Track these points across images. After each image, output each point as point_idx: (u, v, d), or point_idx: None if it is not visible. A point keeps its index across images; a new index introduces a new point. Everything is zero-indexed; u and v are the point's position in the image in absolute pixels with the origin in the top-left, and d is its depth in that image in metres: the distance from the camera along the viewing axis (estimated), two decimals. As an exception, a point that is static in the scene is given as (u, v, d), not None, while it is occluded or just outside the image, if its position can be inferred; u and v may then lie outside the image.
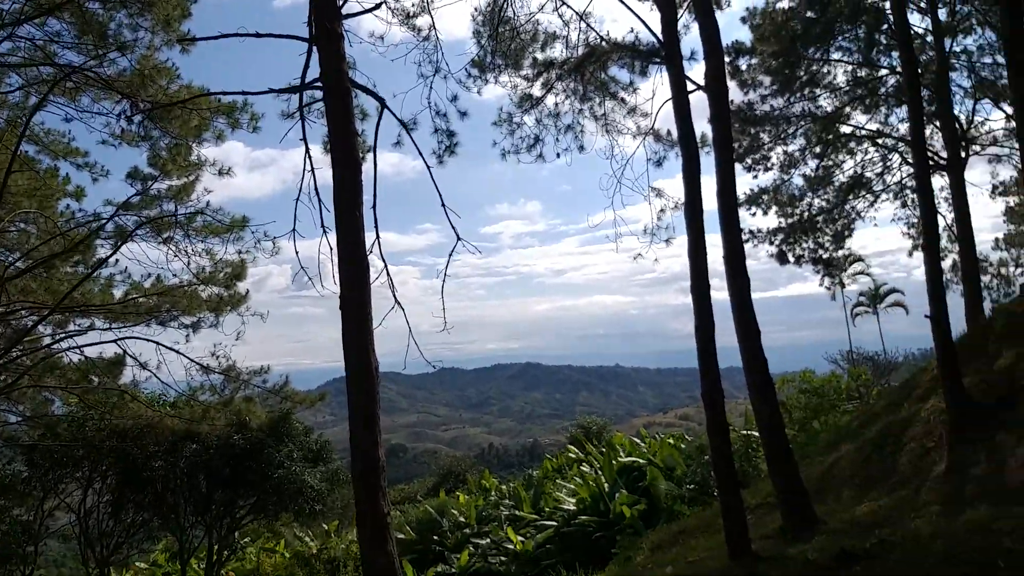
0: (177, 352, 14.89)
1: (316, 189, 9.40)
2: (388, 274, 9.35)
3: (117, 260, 14.36)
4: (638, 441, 20.47)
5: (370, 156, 9.73)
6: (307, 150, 9.47)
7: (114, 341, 14.72)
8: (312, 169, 9.37)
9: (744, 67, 19.78)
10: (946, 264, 22.12)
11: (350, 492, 14.22)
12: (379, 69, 11.28)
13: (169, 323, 15.23)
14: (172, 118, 12.55)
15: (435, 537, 19.42)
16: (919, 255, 21.01)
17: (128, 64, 11.94)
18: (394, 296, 9.21)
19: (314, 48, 8.90)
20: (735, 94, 19.67)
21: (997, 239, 27.40)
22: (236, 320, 15.28)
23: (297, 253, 9.69)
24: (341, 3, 9.05)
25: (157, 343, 14.67)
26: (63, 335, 15.34)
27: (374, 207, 9.03)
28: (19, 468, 16.88)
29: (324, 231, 9.32)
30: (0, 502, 16.16)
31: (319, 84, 8.80)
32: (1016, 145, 19.48)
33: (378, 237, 9.15)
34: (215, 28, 9.35)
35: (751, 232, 21.55)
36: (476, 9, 12.09)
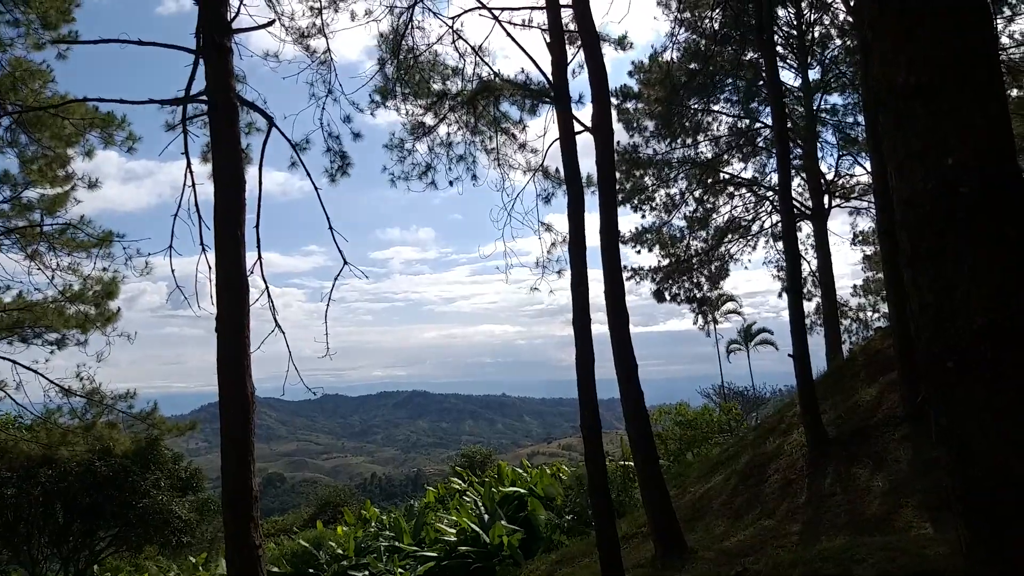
0: (35, 372, 13.88)
1: (196, 205, 9.05)
2: (269, 296, 9.09)
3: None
4: (521, 471, 20.56)
5: (254, 172, 9.50)
6: (188, 165, 9.14)
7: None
8: (193, 184, 9.04)
9: (631, 109, 20.63)
10: (810, 306, 23.68)
11: (221, 523, 13.59)
12: (271, 84, 11.06)
13: (32, 340, 14.17)
14: (43, 125, 11.82)
15: (311, 570, 18.71)
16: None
17: None
18: (275, 319, 8.97)
19: (200, 60, 8.64)
20: (621, 136, 20.49)
21: (856, 285, 29.48)
22: (104, 340, 14.38)
23: (173, 271, 9.26)
24: (232, 16, 8.84)
25: (14, 362, 13.64)
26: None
27: (257, 226, 8.80)
28: None
29: (203, 249, 8.97)
30: None
31: (204, 98, 8.53)
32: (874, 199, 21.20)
33: (260, 257, 8.91)
34: (95, 35, 8.95)
35: (633, 270, 22.39)
36: (381, 35, 12.09)
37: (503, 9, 11.69)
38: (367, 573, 16.52)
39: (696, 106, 20.75)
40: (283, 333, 8.95)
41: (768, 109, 20.60)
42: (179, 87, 8.85)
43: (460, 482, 22.12)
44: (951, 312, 2.66)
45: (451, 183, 12.84)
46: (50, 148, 12.25)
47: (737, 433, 18.74)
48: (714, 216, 22.48)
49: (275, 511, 44.01)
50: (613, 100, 18.87)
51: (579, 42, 10.52)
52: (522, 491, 17.03)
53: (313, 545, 19.72)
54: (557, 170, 12.38)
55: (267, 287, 9.13)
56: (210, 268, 8.28)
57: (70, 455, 15.75)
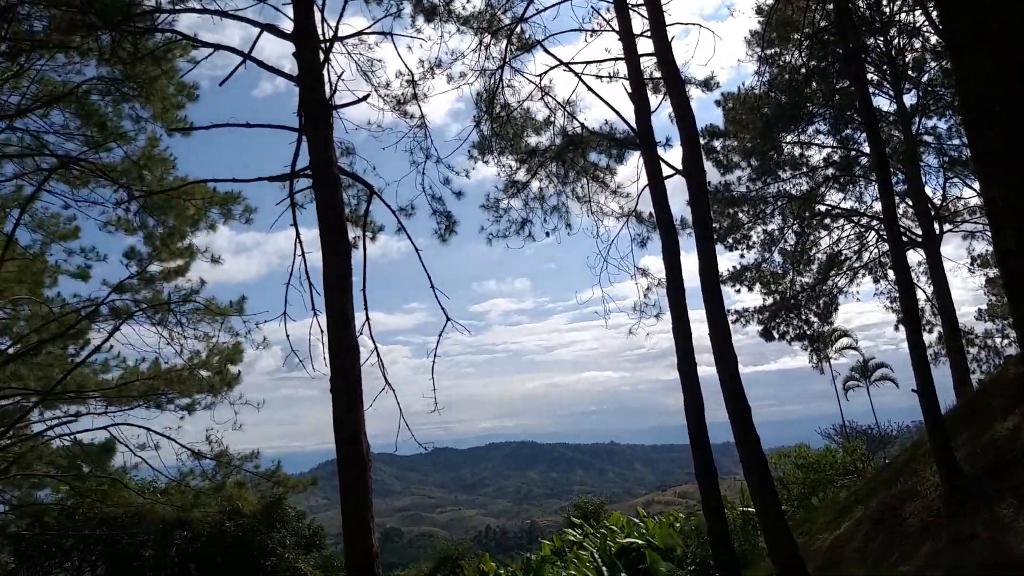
0: (168, 438, 14.71)
1: (307, 272, 9.57)
2: (378, 355, 9.42)
3: (111, 346, 14.30)
4: (637, 521, 20.10)
5: (358, 235, 9.98)
6: (297, 235, 9.70)
7: (105, 428, 14.50)
8: (303, 253, 9.56)
9: (719, 147, 20.36)
10: (932, 337, 22.32)
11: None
12: (374, 151, 11.64)
13: (166, 406, 15.05)
14: (168, 207, 12.77)
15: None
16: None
17: (123, 154, 12.31)
18: (384, 377, 9.27)
19: (303, 137, 9.19)
20: (712, 174, 20.21)
21: (981, 310, 27.40)
22: (228, 405, 15.13)
23: (288, 336, 9.75)
24: (330, 94, 9.39)
25: (148, 429, 14.50)
26: (55, 421, 15.07)
27: (364, 289, 9.20)
28: (6, 559, 16.39)
29: (315, 313, 9.42)
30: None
31: (308, 172, 9.05)
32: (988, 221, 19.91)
33: (368, 318, 9.27)
34: (207, 118, 9.77)
35: (737, 312, 21.85)
36: (477, 95, 12.58)
37: (586, 63, 11.94)
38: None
39: (788, 139, 20.26)
40: (392, 390, 9.23)
41: (864, 136, 19.90)
42: (285, 162, 9.47)
43: (575, 533, 21.79)
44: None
45: (547, 234, 13.11)
46: (174, 228, 13.21)
47: (864, 475, 17.73)
48: (815, 250, 21.70)
49: (395, 566, 44.34)
50: (700, 140, 18.86)
51: (663, 89, 10.58)
52: (640, 543, 16.66)
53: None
54: (651, 214, 12.38)
55: (376, 346, 9.48)
56: (322, 331, 8.66)
57: (202, 516, 16.46)
